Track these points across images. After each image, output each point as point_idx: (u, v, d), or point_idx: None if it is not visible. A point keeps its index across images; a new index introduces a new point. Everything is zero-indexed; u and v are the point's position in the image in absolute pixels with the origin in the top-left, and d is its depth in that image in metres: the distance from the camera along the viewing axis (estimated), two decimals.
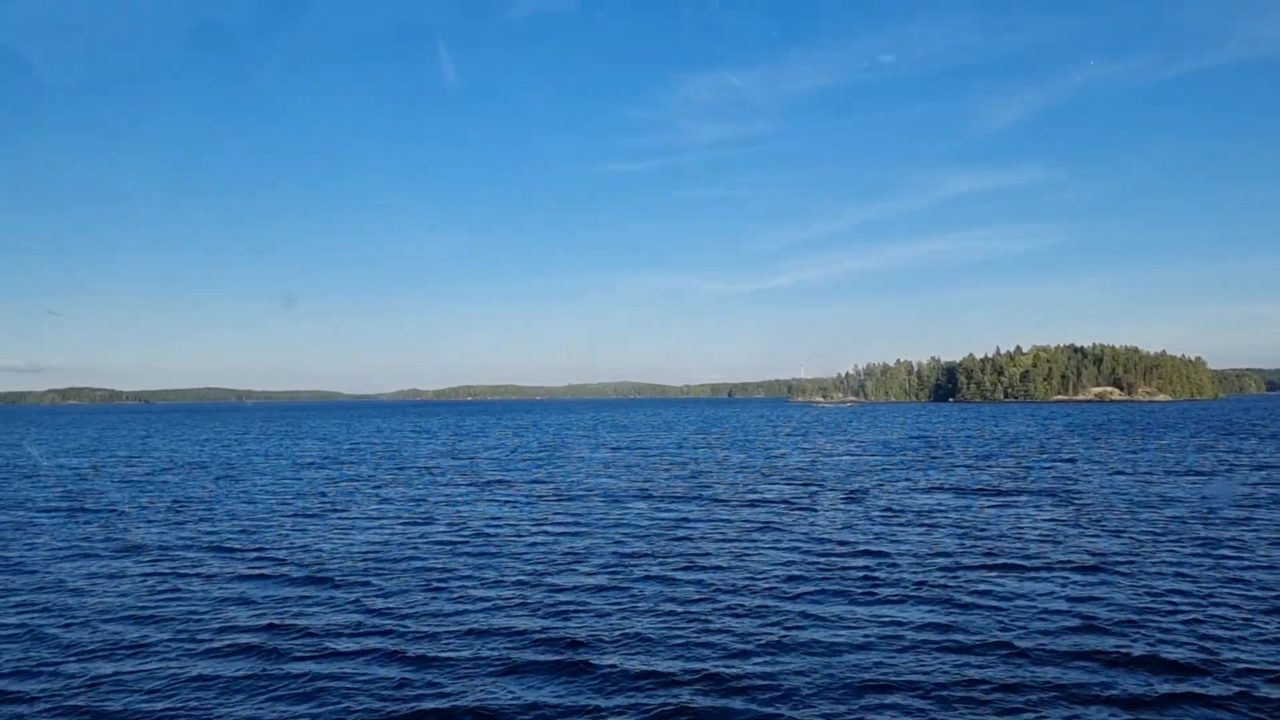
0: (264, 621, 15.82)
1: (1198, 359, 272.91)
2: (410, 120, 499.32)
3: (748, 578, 18.99)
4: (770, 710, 11.58)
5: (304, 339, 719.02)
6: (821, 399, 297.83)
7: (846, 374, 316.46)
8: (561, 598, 17.38)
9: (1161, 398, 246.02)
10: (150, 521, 28.25)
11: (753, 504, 31.13)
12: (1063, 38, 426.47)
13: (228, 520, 28.33)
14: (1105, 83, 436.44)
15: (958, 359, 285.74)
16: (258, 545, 23.65)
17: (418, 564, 20.92)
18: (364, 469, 47.88)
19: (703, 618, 15.77)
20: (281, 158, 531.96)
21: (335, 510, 30.53)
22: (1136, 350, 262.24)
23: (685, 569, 19.90)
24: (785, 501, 31.70)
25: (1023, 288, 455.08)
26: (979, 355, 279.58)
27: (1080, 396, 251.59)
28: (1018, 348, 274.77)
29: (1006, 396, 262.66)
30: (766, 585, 18.27)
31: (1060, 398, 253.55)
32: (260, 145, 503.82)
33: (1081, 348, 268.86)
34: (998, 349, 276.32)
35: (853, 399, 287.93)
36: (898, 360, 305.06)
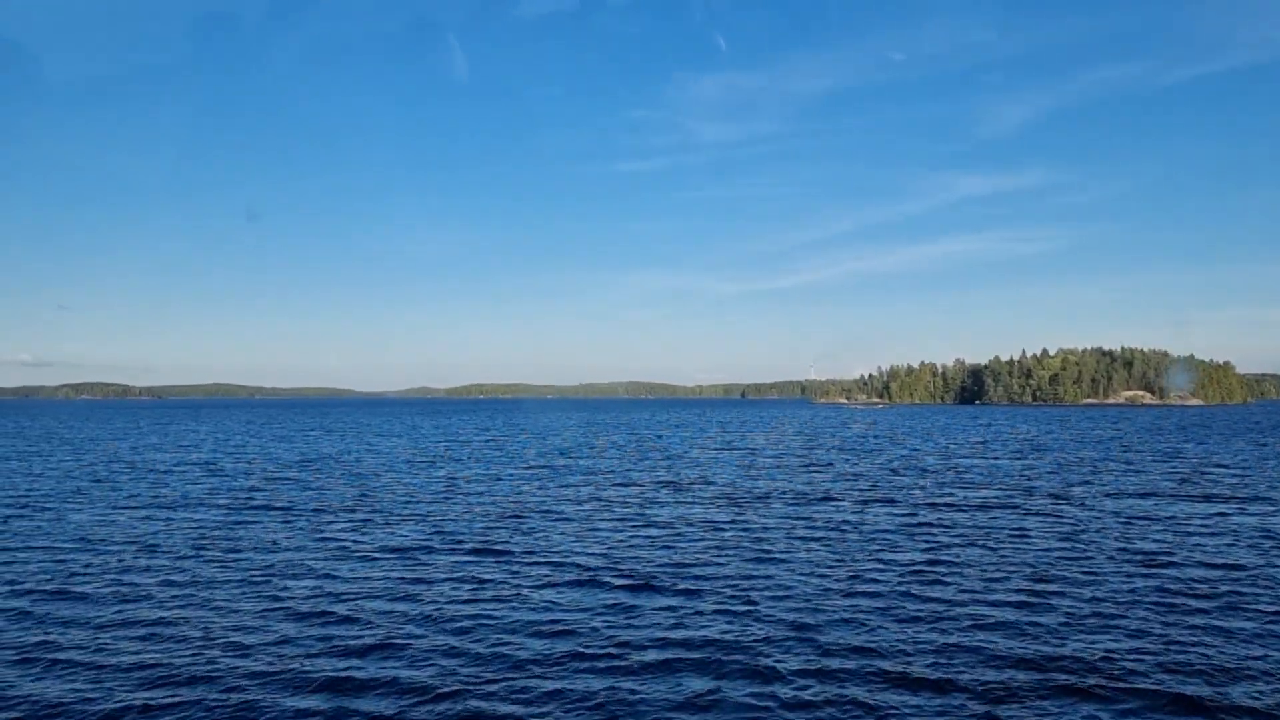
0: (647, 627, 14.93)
1: (1226, 363, 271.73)
2: (419, 116, 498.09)
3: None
4: None
5: (315, 336, 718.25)
6: (845, 400, 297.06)
7: (870, 375, 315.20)
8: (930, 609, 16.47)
9: (1194, 402, 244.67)
10: (367, 519, 27.37)
11: (1011, 506, 30.26)
12: (1073, 38, 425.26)
13: (462, 519, 27.46)
14: (1116, 84, 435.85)
15: (983, 361, 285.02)
16: (551, 547, 22.78)
17: (728, 569, 20.05)
18: (513, 466, 47.00)
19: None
20: (291, 152, 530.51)
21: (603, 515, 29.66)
22: (1166, 354, 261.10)
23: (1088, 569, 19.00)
24: (1028, 506, 30.82)
25: (1036, 290, 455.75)
26: (1003, 358, 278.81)
27: (1111, 400, 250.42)
28: (1044, 350, 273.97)
29: (1035, 400, 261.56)
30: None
31: (1090, 401, 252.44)
32: (269, 139, 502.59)
33: (1109, 350, 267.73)
34: (1024, 351, 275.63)
35: (877, 400, 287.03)
36: (921, 362, 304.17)
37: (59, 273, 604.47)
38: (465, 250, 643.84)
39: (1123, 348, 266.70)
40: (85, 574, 19.67)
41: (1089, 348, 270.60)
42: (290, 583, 18.71)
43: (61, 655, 13.79)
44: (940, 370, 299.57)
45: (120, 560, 21.18)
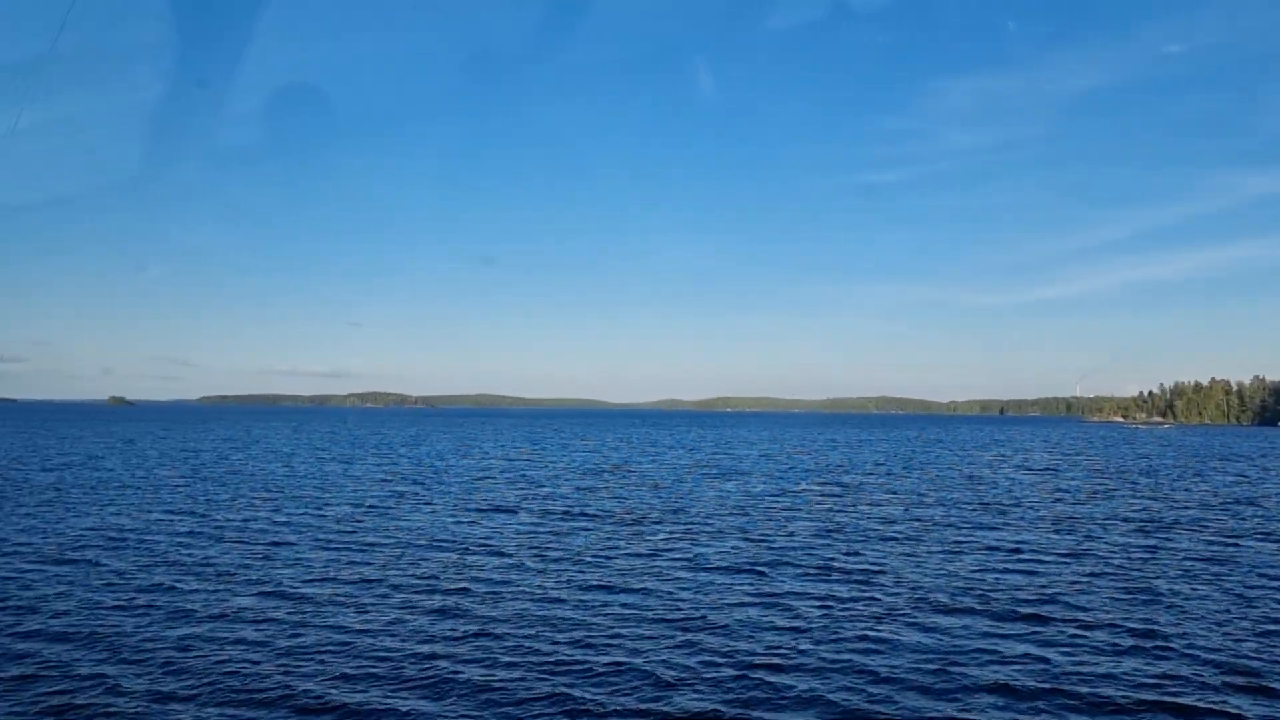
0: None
1: None
2: (667, 136, 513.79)
3: None
4: None
5: (569, 349, 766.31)
6: (1122, 419, 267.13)
7: (1150, 393, 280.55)
8: None
9: None
10: (688, 530, 28.11)
11: None
12: None
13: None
14: None
15: None
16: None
17: None
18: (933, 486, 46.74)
19: None
20: (549, 175, 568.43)
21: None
22: None
23: None
24: None
25: None
26: None
27: None
28: None
29: None
30: None
31: None
32: (528, 164, 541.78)
33: None
34: None
35: (1160, 420, 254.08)
36: (1212, 379, 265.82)
37: (350, 292, 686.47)
38: (713, 265, 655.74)
39: None
40: (458, 574, 22.02)
41: None
42: (652, 599, 19.68)
43: (495, 647, 15.44)
44: (1235, 387, 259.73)
45: (464, 558, 23.52)
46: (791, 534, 28.03)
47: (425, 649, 14.83)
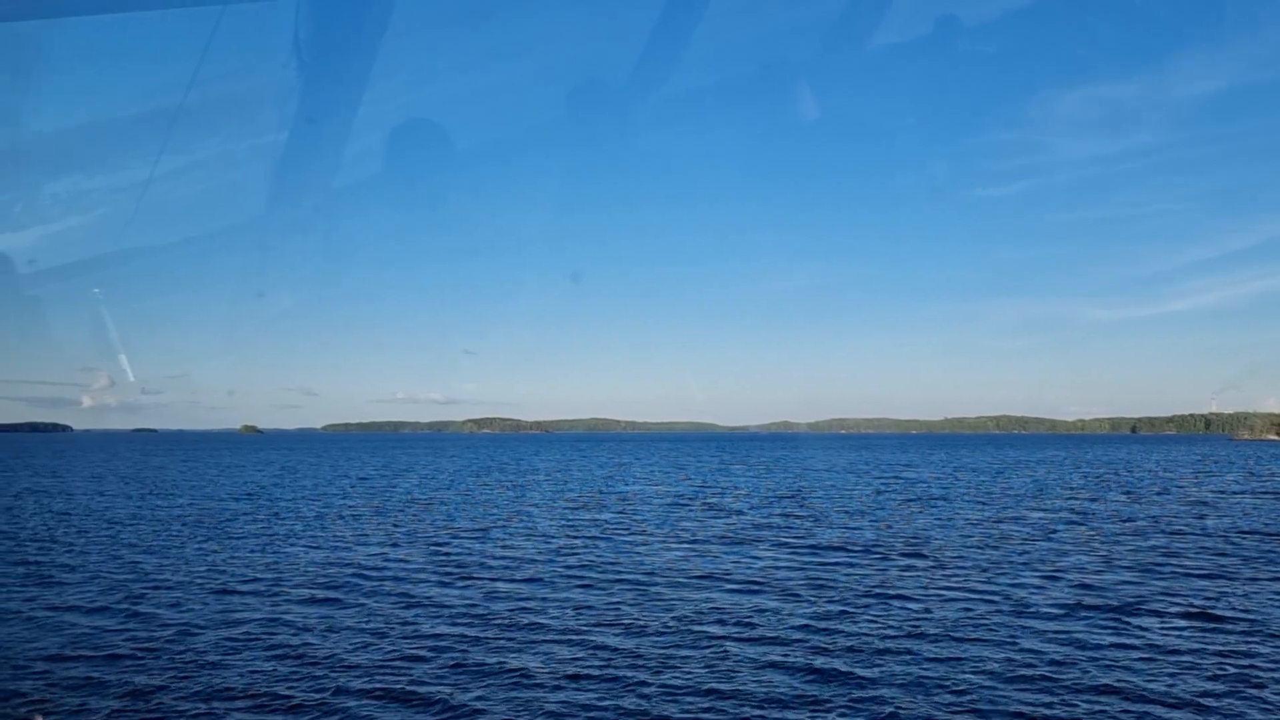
0: None
1: None
2: (772, 158, 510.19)
3: None
4: None
5: (679, 372, 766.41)
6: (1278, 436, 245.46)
7: None
8: None
9: None
10: (928, 557, 25.82)
11: None
12: None
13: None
14: None
15: None
16: None
17: None
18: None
19: None
20: (656, 201, 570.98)
21: None
22: None
23: None
24: None
25: None
26: None
27: None
28: None
29: None
30: None
31: None
32: (634, 190, 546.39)
33: None
34: None
35: None
36: None
37: (464, 320, 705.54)
38: (824, 284, 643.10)
39: None
40: (778, 618, 20.54)
41: None
42: (1010, 649, 17.70)
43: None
44: None
45: (691, 590, 21.99)
46: (1085, 568, 25.43)
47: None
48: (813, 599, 21.45)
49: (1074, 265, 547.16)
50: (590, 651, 16.65)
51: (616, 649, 16.83)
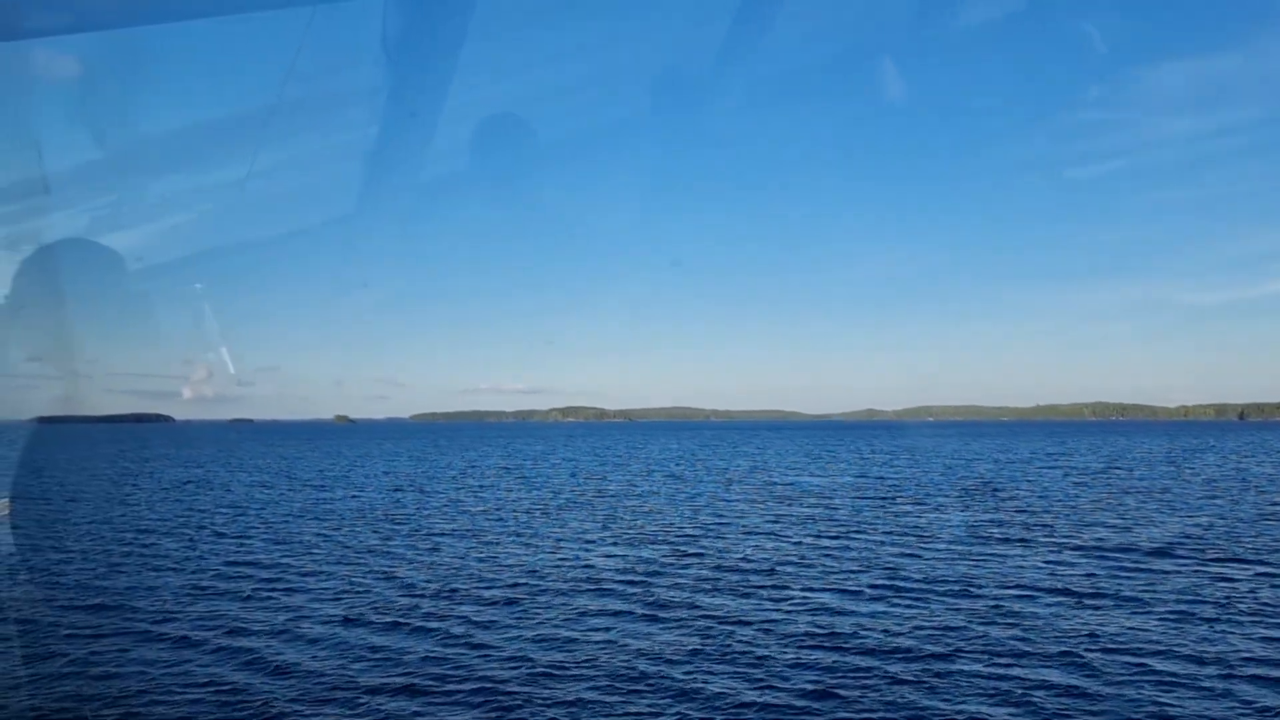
0: None
1: None
2: (857, 140, 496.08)
3: None
4: None
5: (760, 359, 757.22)
6: None
7: None
8: None
9: None
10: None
11: None
12: None
13: None
14: None
15: None
16: None
17: None
18: None
19: None
20: (740, 187, 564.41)
21: None
22: None
23: None
24: None
25: None
26: None
27: None
28: None
29: None
30: None
31: None
32: (718, 177, 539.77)
33: None
34: None
35: None
36: None
37: (548, 309, 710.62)
38: (910, 270, 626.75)
39: None
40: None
41: None
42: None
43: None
44: None
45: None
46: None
47: None
48: (1216, 615, 17.41)
49: (1172, 246, 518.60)
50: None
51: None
